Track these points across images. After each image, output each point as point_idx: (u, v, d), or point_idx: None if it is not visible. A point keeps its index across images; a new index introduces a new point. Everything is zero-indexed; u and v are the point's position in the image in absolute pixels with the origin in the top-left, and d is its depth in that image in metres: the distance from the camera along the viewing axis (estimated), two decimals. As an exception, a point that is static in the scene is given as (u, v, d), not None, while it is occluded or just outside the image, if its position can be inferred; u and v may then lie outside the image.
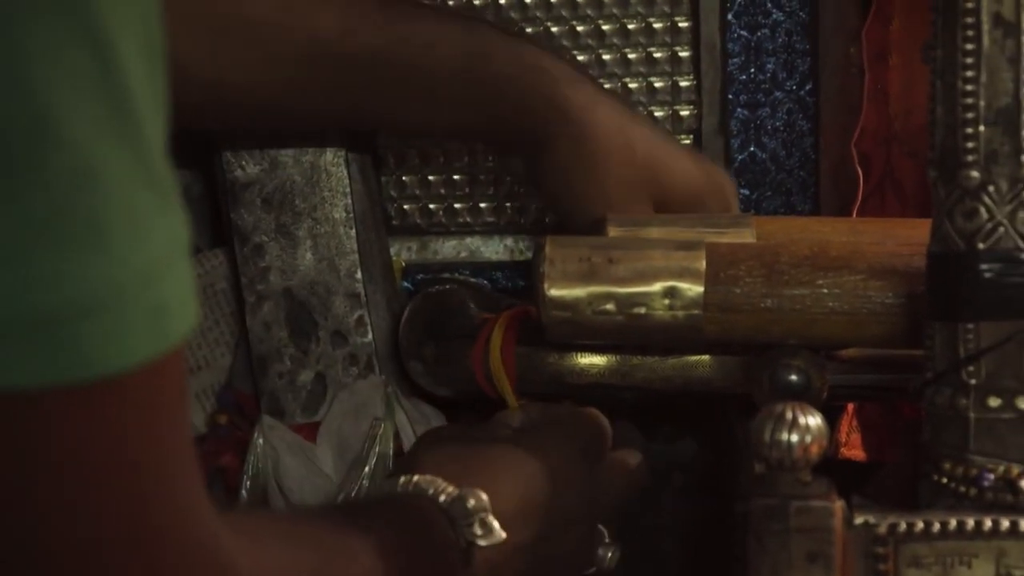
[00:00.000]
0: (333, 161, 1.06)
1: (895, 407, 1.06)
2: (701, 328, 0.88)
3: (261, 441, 1.00)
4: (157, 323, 0.50)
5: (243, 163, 1.05)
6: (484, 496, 0.77)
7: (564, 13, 1.11)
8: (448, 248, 1.14)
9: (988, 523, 0.76)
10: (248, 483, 1.00)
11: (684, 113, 1.12)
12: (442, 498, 0.76)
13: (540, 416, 0.91)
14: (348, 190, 1.06)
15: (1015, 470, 0.77)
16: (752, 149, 1.11)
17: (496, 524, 0.77)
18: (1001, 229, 0.77)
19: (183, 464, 0.55)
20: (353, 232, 1.06)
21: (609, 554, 0.90)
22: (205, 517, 0.57)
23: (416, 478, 0.78)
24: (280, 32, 0.93)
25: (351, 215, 1.06)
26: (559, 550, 0.84)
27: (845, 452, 1.07)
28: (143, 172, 0.50)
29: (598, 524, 0.88)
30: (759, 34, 1.09)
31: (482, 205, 1.13)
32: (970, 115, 0.76)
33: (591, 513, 0.87)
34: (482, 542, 0.76)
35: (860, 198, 1.06)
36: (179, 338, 0.52)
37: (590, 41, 1.11)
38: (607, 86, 1.11)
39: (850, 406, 1.06)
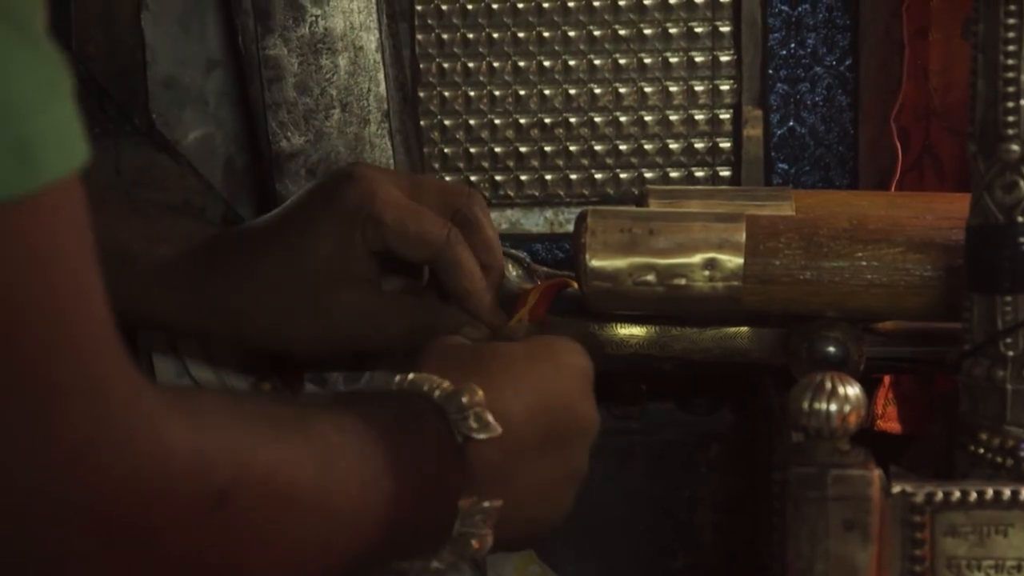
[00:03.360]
0: (377, 133, 1.07)
1: (930, 381, 1.07)
2: (740, 299, 0.89)
3: None
4: (21, 161, 0.49)
5: (288, 134, 1.07)
6: (479, 391, 0.74)
7: (608, -13, 1.12)
8: (489, 220, 1.15)
9: (1024, 493, 0.76)
10: None
11: (724, 88, 1.13)
12: (436, 393, 0.74)
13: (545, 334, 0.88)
14: (392, 162, 1.07)
15: (1052, 441, 0.78)
16: (791, 124, 1.11)
17: (491, 419, 0.73)
18: (1041, 203, 0.78)
19: (96, 328, 0.53)
20: (395, 203, 1.07)
21: None
22: (133, 382, 0.55)
23: (411, 376, 0.75)
24: None
25: (394, 186, 1.07)
26: (567, 466, 0.80)
27: (881, 425, 1.07)
28: None
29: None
30: (800, 9, 1.10)
31: (523, 178, 1.15)
32: (1011, 89, 0.77)
33: (591, 431, 0.81)
34: (479, 435, 0.73)
35: (898, 173, 1.06)
36: (53, 176, 0.51)
37: (631, 15, 1.12)
38: (648, 60, 1.12)
39: (886, 379, 1.07)
